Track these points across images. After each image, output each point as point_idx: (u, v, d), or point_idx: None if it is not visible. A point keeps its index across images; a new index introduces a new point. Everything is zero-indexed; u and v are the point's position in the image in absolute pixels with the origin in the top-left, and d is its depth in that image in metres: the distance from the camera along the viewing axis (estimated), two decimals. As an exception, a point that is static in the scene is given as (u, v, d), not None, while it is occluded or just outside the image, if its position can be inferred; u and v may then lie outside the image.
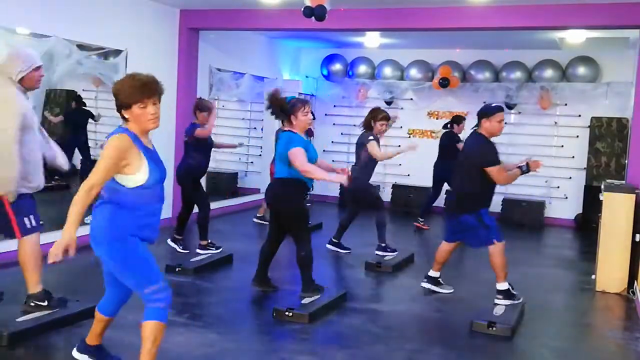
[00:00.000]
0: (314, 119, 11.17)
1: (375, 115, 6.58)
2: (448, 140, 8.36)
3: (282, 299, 5.01)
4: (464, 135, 7.11)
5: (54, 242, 3.02)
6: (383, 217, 6.76)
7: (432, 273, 5.54)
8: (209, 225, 6.43)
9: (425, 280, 5.57)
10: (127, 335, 3.93)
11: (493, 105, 5.10)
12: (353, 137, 10.65)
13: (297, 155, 4.64)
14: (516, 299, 4.98)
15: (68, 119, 8.95)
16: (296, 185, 4.84)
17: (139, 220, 3.09)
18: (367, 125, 6.61)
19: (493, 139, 4.99)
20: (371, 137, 6.47)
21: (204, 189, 6.98)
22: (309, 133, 7.81)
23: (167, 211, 7.53)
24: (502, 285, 4.99)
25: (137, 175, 3.02)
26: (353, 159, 10.59)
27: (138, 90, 2.97)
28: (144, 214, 3.10)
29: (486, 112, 4.92)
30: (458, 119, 8.51)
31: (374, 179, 6.94)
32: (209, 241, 6.43)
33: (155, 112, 3.01)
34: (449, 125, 8.49)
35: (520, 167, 4.99)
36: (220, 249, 6.41)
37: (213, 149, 6.57)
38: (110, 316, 3.43)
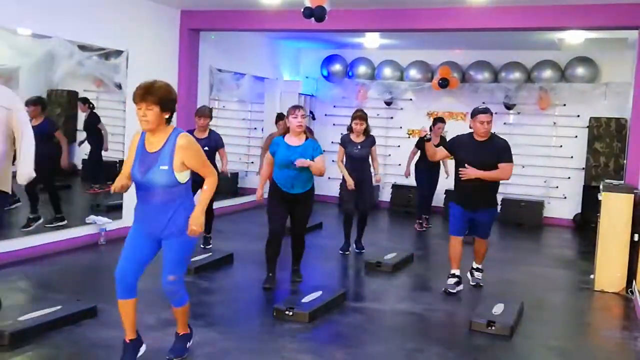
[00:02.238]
0: (313, 119, 11.21)
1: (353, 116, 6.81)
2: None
3: (283, 298, 5.04)
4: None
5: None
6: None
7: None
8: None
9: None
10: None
11: (480, 107, 5.44)
12: (353, 137, 10.69)
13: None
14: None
15: (86, 126, 8.87)
16: (271, 183, 5.44)
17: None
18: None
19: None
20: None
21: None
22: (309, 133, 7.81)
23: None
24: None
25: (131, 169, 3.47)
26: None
27: (134, 95, 3.37)
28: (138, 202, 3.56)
29: (472, 113, 5.39)
30: (433, 122, 8.43)
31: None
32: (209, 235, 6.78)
33: (143, 115, 3.34)
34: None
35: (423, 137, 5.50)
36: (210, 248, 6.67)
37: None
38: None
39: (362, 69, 10.73)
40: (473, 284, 5.76)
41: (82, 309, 4.37)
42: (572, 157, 9.66)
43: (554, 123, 9.81)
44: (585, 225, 8.79)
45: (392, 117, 10.80)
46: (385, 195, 10.62)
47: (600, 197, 5.97)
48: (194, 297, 5.16)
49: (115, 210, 7.33)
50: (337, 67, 10.84)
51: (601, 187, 6.13)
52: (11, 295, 4.81)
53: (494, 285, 5.85)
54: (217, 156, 6.65)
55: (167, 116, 3.42)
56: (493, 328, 4.50)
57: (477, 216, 5.45)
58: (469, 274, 5.82)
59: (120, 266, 3.52)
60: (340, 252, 6.94)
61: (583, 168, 9.39)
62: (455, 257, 5.54)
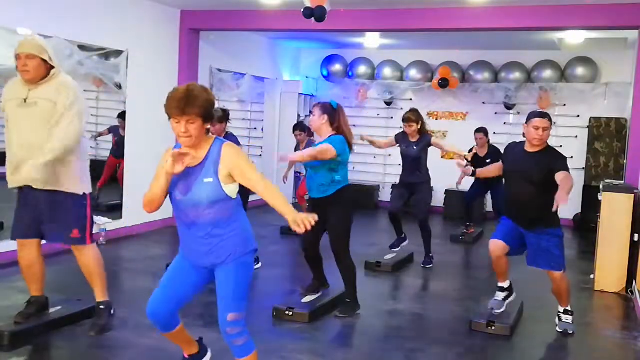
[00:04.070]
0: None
1: None
2: None
3: (282, 298, 5.03)
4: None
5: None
6: None
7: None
8: None
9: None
10: (133, 336, 3.95)
11: (537, 110, 4.78)
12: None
13: None
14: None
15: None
16: None
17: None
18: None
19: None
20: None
21: None
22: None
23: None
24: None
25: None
26: (352, 157, 10.66)
27: (170, 107, 2.81)
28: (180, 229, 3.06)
29: (527, 117, 4.56)
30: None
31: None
32: None
33: (185, 131, 2.79)
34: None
35: None
36: None
37: None
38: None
39: (362, 69, 10.74)
40: (560, 330, 4.67)
41: (82, 309, 4.37)
42: (572, 157, 9.62)
43: (554, 123, 9.77)
44: (585, 225, 8.78)
45: (392, 117, 10.79)
46: (386, 195, 10.61)
47: (600, 197, 5.97)
48: (194, 297, 5.16)
49: (115, 210, 7.34)
50: (337, 67, 10.85)
51: (601, 187, 6.13)
52: (11, 295, 4.81)
53: (494, 285, 5.84)
54: None
55: (208, 126, 2.91)
56: (493, 328, 4.50)
57: (535, 238, 4.44)
58: (556, 319, 4.73)
59: (148, 305, 3.07)
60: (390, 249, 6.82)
61: (583, 168, 9.39)
62: (499, 270, 4.64)
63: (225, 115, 5.65)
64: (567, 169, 4.26)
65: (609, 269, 5.83)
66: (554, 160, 4.30)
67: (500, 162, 4.73)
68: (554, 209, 4.06)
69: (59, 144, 3.75)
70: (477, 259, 7.33)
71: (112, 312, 4.19)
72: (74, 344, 3.96)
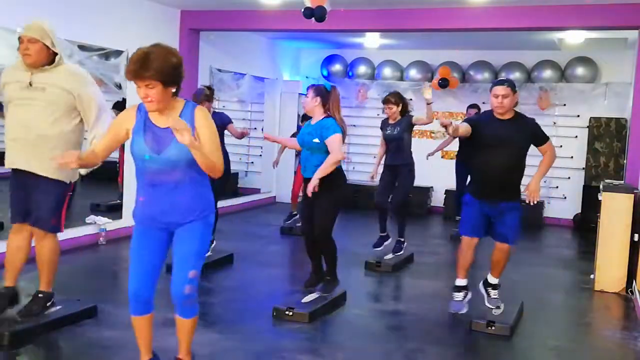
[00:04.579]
0: None
1: None
2: None
3: (282, 298, 5.03)
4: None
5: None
6: None
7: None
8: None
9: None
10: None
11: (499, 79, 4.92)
12: (353, 137, 10.67)
13: None
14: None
15: None
16: None
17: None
18: None
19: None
20: None
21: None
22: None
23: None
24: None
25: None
26: (352, 157, 10.62)
27: (127, 72, 2.81)
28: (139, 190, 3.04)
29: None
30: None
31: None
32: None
33: (145, 95, 2.77)
34: None
35: None
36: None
37: None
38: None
39: (362, 69, 10.73)
40: (490, 306, 4.67)
41: (82, 309, 4.36)
42: (572, 157, 9.65)
43: (554, 123, 9.80)
44: (585, 225, 8.78)
45: (392, 117, 10.78)
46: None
47: (600, 197, 5.97)
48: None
49: (115, 210, 7.34)
50: (337, 67, 10.84)
51: (601, 187, 6.13)
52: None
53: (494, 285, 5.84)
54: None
55: (174, 90, 2.86)
56: (493, 328, 4.49)
57: (499, 212, 4.50)
58: (482, 290, 4.78)
59: (131, 284, 3.02)
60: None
61: (583, 168, 9.39)
62: (465, 264, 4.65)
63: (211, 94, 5.96)
64: (547, 137, 4.54)
65: (609, 269, 5.83)
66: (533, 127, 4.51)
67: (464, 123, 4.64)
68: (530, 201, 4.36)
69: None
70: (477, 258, 7.32)
71: (48, 303, 4.16)
72: (74, 344, 3.96)
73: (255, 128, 11.18)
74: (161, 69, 2.75)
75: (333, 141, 4.60)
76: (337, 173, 4.75)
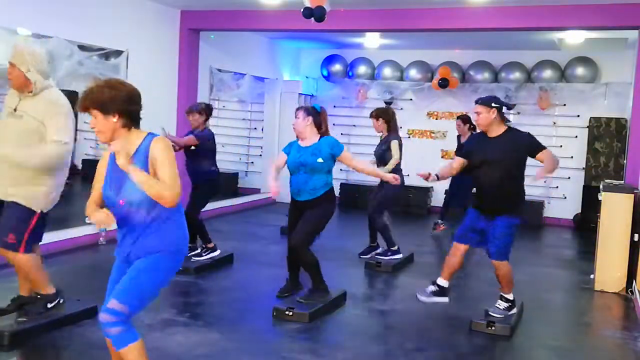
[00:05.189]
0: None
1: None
2: None
3: (282, 298, 5.03)
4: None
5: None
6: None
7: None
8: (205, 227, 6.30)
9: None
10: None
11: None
12: (353, 137, 10.70)
13: None
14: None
15: None
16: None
17: None
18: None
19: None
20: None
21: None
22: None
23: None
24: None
25: None
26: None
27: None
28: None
29: None
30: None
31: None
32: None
33: (93, 126, 2.81)
34: None
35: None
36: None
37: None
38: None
39: (362, 69, 10.74)
40: (491, 312, 4.68)
41: (82, 309, 4.36)
42: (572, 157, 9.65)
43: (554, 123, 9.80)
44: (585, 225, 8.78)
45: (392, 117, 10.78)
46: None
47: (600, 197, 5.97)
48: (194, 297, 5.17)
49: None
50: (337, 67, 10.85)
51: (601, 187, 6.13)
52: (12, 296, 4.80)
53: (494, 285, 5.84)
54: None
55: (117, 120, 2.78)
56: (493, 328, 4.49)
57: (493, 227, 4.53)
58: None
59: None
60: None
61: (583, 168, 9.39)
62: (449, 266, 4.68)
63: (205, 109, 6.01)
64: (542, 147, 4.55)
65: (609, 269, 5.83)
66: (526, 140, 4.53)
67: (457, 157, 4.87)
68: (537, 180, 4.49)
69: (34, 160, 3.84)
70: (477, 258, 7.33)
71: (50, 304, 4.15)
72: (74, 344, 3.96)
73: (255, 128, 11.19)
74: (97, 99, 2.76)
75: (350, 156, 4.85)
76: (331, 191, 4.83)
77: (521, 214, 4.65)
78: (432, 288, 4.75)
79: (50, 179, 3.97)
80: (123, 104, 2.79)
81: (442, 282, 4.73)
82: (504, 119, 4.59)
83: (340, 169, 9.85)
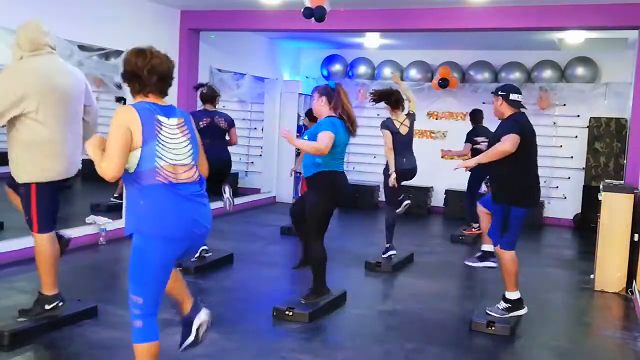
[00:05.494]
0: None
1: None
2: None
3: (282, 298, 5.03)
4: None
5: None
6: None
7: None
8: None
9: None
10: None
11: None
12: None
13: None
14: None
15: None
16: None
17: None
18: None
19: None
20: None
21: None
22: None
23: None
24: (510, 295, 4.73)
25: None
26: (352, 157, 10.60)
27: None
28: None
29: None
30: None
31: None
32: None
33: None
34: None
35: None
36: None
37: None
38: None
39: (362, 69, 10.74)
40: (490, 311, 4.71)
41: (82, 309, 4.37)
42: (572, 157, 9.66)
43: (554, 123, 9.80)
44: (585, 225, 8.78)
45: (392, 117, 10.78)
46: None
47: (600, 197, 5.97)
48: (194, 297, 5.16)
49: (115, 210, 7.34)
50: (337, 67, 10.85)
51: (601, 187, 6.13)
52: (11, 295, 4.81)
53: (494, 285, 5.85)
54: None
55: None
56: (493, 328, 4.50)
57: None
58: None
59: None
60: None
61: (583, 168, 9.39)
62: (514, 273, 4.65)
63: (208, 95, 6.17)
64: (508, 133, 4.47)
65: (609, 269, 5.83)
66: (504, 123, 4.66)
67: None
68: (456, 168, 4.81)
69: None
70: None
71: (48, 306, 4.12)
72: (74, 344, 3.96)
73: (255, 128, 11.19)
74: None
75: (321, 135, 4.56)
76: (324, 178, 4.70)
77: (517, 204, 4.62)
78: (504, 305, 4.69)
79: (26, 152, 3.91)
80: (123, 74, 2.95)
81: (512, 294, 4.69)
82: (514, 106, 4.73)
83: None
